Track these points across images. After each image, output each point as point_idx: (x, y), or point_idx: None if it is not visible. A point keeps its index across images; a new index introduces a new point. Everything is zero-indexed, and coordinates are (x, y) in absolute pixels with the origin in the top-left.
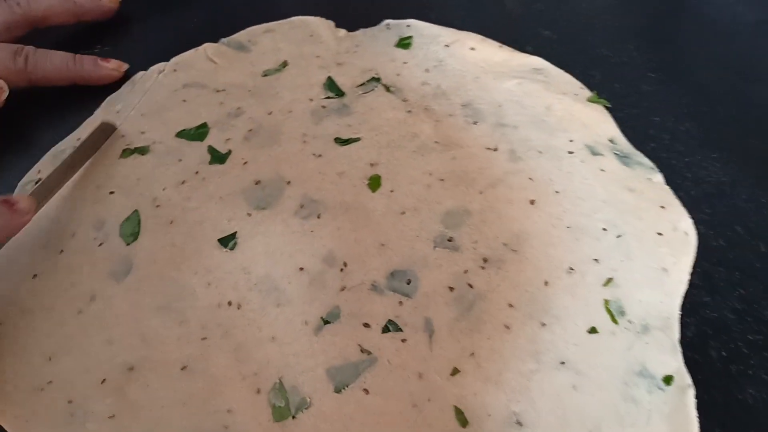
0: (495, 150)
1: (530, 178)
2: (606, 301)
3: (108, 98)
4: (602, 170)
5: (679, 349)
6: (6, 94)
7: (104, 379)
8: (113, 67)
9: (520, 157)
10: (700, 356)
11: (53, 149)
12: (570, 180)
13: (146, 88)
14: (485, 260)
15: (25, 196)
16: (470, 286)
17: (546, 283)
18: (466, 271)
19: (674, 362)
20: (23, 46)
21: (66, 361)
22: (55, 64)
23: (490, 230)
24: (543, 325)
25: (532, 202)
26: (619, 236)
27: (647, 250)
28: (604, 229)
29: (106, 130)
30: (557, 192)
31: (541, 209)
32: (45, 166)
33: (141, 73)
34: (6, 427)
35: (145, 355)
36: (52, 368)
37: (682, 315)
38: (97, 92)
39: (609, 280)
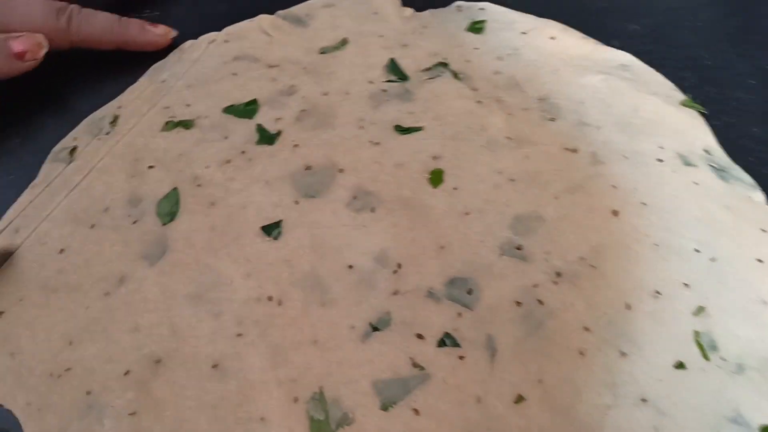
0: (574, 151)
1: (613, 186)
2: (696, 333)
3: (153, 66)
4: (695, 183)
5: None
6: (45, 50)
7: (128, 371)
8: (161, 33)
9: (603, 161)
10: None
11: (91, 116)
12: (658, 191)
13: (194, 58)
14: (558, 274)
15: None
16: (540, 302)
17: (628, 306)
18: (536, 285)
19: None
20: (67, 5)
21: (88, 347)
22: (100, 26)
23: (565, 240)
24: (622, 354)
25: (614, 212)
26: (713, 260)
27: (745, 278)
28: (697, 251)
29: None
30: (644, 204)
31: (625, 222)
32: (81, 134)
33: (190, 42)
34: (16, 414)
35: (174, 348)
36: (72, 354)
37: None
38: (142, 59)
39: (700, 309)
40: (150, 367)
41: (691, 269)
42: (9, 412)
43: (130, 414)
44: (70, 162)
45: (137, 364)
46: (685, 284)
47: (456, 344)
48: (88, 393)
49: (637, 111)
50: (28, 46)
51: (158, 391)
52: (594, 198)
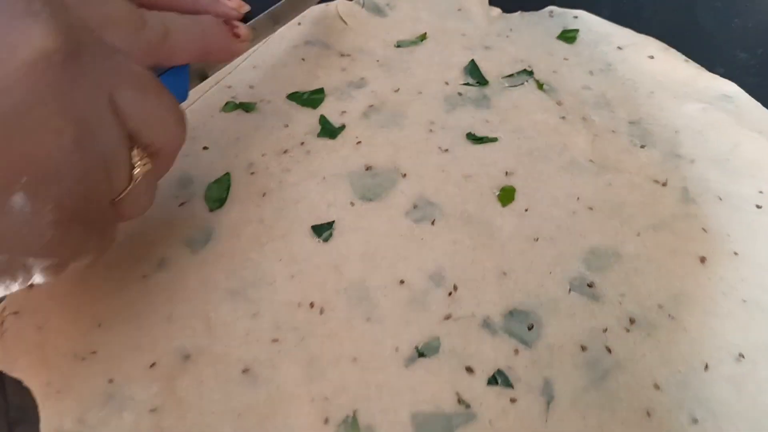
0: (664, 185)
1: (703, 229)
2: None
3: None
4: None
5: None
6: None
7: (154, 363)
8: (233, 5)
9: (694, 199)
10: None
11: None
12: (753, 241)
13: (265, 39)
14: (632, 321)
15: (244, 25)
16: (608, 349)
17: (706, 366)
18: (605, 330)
19: None
20: None
21: (117, 331)
22: None
23: (643, 284)
24: (694, 420)
25: (702, 259)
26: None
27: None
28: None
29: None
30: (735, 253)
31: (713, 271)
32: None
33: None
34: (35, 393)
35: (206, 345)
36: (100, 336)
37: None
38: None
39: None
40: (178, 362)
41: None
42: (28, 391)
43: (151, 410)
44: None
45: (165, 357)
46: None
47: (509, 384)
48: (111, 381)
49: (737, 148)
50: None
51: (183, 390)
52: (680, 240)
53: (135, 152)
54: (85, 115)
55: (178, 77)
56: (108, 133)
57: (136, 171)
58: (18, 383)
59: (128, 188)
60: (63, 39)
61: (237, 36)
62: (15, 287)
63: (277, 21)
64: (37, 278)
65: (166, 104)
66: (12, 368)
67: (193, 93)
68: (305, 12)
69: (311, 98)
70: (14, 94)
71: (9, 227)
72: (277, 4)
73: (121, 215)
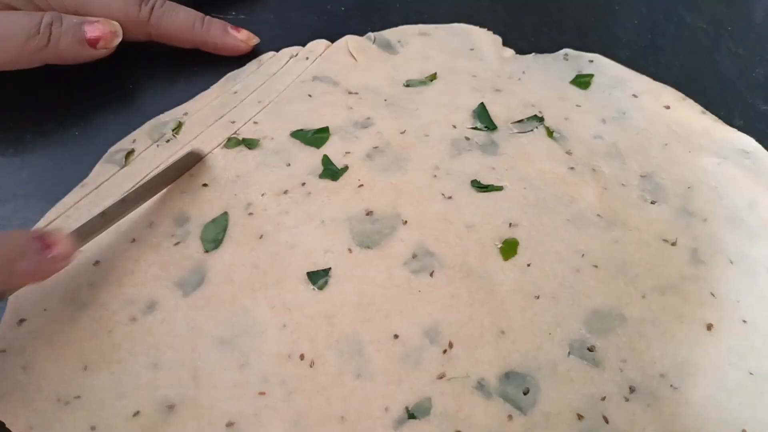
0: (673, 244)
1: (712, 294)
2: None
3: (228, 74)
4: None
5: None
6: (118, 40)
7: (137, 412)
8: (243, 38)
9: (704, 261)
10: None
11: (155, 120)
12: (764, 309)
13: (272, 72)
14: (632, 389)
15: (64, 238)
16: (606, 420)
17: None
18: (604, 398)
19: None
20: None
21: (102, 376)
22: (181, 22)
23: (646, 350)
24: None
25: (709, 326)
26: None
27: None
28: None
29: (191, 160)
30: (745, 321)
31: (720, 339)
32: (141, 137)
33: (270, 53)
34: None
35: (191, 396)
36: (84, 380)
37: None
38: (218, 64)
39: None
40: (162, 413)
41: None
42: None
43: None
44: (124, 166)
45: (149, 406)
46: None
47: None
48: (93, 428)
49: (753, 208)
50: (103, 34)
51: None
52: (688, 304)
53: None
54: None
55: None
56: None
57: None
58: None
59: None
60: None
61: (51, 255)
62: None
63: (109, 219)
64: None
65: None
66: None
67: (197, 126)
68: (313, 46)
69: (315, 137)
70: None
71: None
72: (110, 205)
73: None
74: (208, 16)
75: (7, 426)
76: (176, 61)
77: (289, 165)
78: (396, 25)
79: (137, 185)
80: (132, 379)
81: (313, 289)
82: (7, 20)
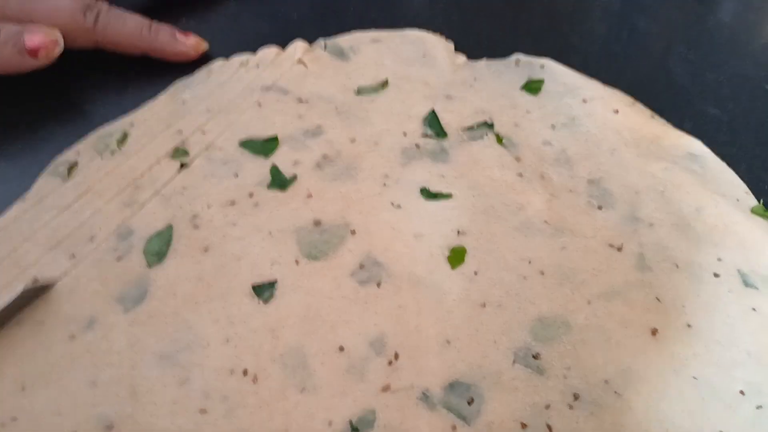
0: (619, 249)
1: (657, 299)
2: None
3: (177, 82)
4: (754, 310)
5: None
6: (60, 48)
7: (75, 431)
8: (191, 44)
9: (650, 266)
10: None
11: (100, 131)
12: (709, 314)
13: (222, 81)
14: (576, 397)
15: None
16: (549, 428)
17: None
18: (548, 406)
19: None
20: (96, 1)
21: (40, 396)
22: (128, 29)
23: (590, 357)
24: None
25: (653, 331)
26: (759, 407)
27: None
28: (742, 393)
29: (32, 294)
30: (689, 326)
31: (664, 345)
32: (86, 148)
33: (221, 62)
34: None
35: (129, 414)
36: (21, 400)
37: None
38: (168, 71)
39: None
40: None
41: (732, 416)
42: None
43: None
44: (68, 179)
45: (86, 425)
46: None
47: None
48: None
49: (700, 213)
50: (43, 43)
51: None
52: (633, 310)
53: None
54: None
55: None
56: None
57: None
58: None
59: None
60: None
61: None
62: None
63: None
64: None
65: None
66: None
67: (143, 137)
68: (264, 53)
69: (264, 146)
70: None
71: None
72: None
73: None
74: (155, 23)
75: None
76: (124, 69)
77: (237, 175)
78: (350, 30)
79: None
80: (70, 397)
81: (259, 302)
82: None
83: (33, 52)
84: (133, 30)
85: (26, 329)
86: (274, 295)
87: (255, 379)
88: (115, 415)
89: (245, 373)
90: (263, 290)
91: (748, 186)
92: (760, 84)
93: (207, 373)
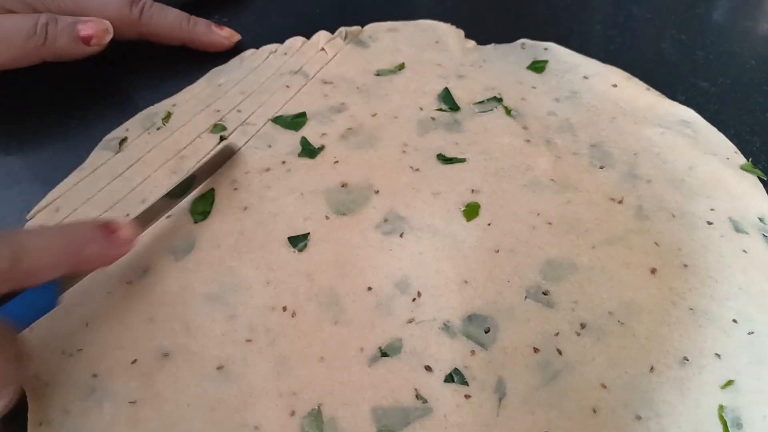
0: (620, 202)
1: (656, 243)
2: (721, 407)
3: (213, 69)
4: (744, 251)
5: None
6: (109, 37)
7: (135, 360)
8: (226, 35)
9: (648, 216)
10: None
11: (146, 111)
12: (703, 255)
13: (253, 67)
14: (583, 326)
15: (127, 223)
16: (559, 352)
17: (652, 369)
18: (557, 334)
19: None
20: None
21: (102, 331)
22: (169, 21)
23: (595, 292)
24: (638, 418)
25: (653, 270)
26: (751, 333)
27: None
28: (735, 321)
29: (226, 154)
30: (685, 265)
31: (663, 281)
32: (134, 126)
33: (251, 50)
34: (23, 385)
35: (183, 344)
36: (86, 335)
37: None
38: (204, 60)
39: (729, 383)
40: (157, 360)
41: (727, 340)
42: None
43: (130, 402)
44: (119, 152)
45: (145, 355)
46: (717, 355)
47: (464, 382)
48: (94, 375)
49: (693, 170)
50: (95, 32)
51: (160, 385)
52: (633, 253)
53: None
54: None
55: (42, 293)
56: None
57: None
58: None
59: None
60: None
61: (117, 239)
62: None
63: (160, 210)
64: None
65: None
66: None
67: (185, 115)
68: (291, 42)
69: (294, 122)
70: None
71: None
72: (173, 187)
73: None
74: (193, 16)
75: None
76: (165, 58)
77: (270, 146)
78: (369, 22)
79: (182, 179)
80: (129, 332)
81: (294, 251)
82: (7, 23)
83: (86, 40)
84: (173, 22)
85: (89, 277)
86: (308, 245)
87: (294, 314)
88: (171, 345)
89: (284, 309)
90: (298, 241)
91: (737, 147)
92: (746, 60)
93: (251, 310)
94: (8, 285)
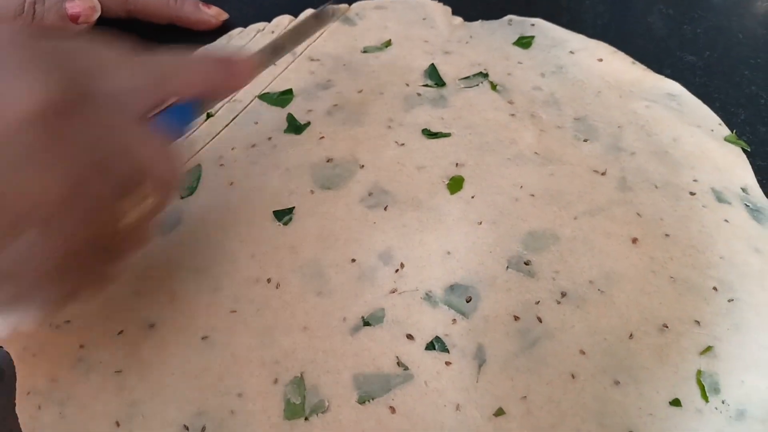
0: (603, 174)
1: (638, 213)
2: (699, 372)
3: (201, 48)
4: (726, 221)
5: None
6: (97, 14)
7: (122, 331)
8: (213, 13)
9: (631, 187)
10: None
11: None
12: (685, 225)
13: (241, 46)
14: (563, 294)
15: (245, 58)
16: (539, 320)
17: (631, 335)
18: (538, 302)
19: None
20: None
21: (89, 304)
22: (157, 0)
23: (576, 262)
24: (616, 383)
25: (634, 240)
26: (730, 300)
27: (763, 324)
28: (715, 289)
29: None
30: (667, 235)
31: (644, 251)
32: None
33: (239, 29)
34: (12, 356)
35: (169, 316)
36: (73, 308)
37: None
38: (191, 39)
39: (708, 349)
40: (143, 330)
41: (706, 308)
42: (7, 353)
43: (116, 371)
44: None
45: (132, 325)
46: (697, 321)
47: (445, 349)
48: (81, 346)
49: (677, 142)
50: (82, 10)
51: (147, 354)
52: (615, 223)
53: (132, 194)
54: (81, 163)
55: (180, 113)
56: (105, 176)
57: (133, 211)
58: None
59: (126, 227)
60: (58, 93)
61: (236, 73)
62: (24, 319)
63: (277, 53)
64: (42, 310)
65: (161, 149)
66: None
67: None
68: (278, 21)
69: (281, 98)
70: (10, 149)
71: (22, 259)
72: (276, 37)
73: (121, 251)
74: None
75: (4, 348)
76: (153, 37)
77: (257, 123)
78: (355, 1)
79: (286, 30)
80: (116, 305)
81: (279, 225)
82: None
83: (74, 18)
84: (161, 1)
85: None
86: (293, 219)
87: (278, 286)
88: (157, 317)
89: (269, 281)
90: (283, 215)
91: (722, 120)
92: (734, 34)
93: (236, 282)
94: (156, 97)
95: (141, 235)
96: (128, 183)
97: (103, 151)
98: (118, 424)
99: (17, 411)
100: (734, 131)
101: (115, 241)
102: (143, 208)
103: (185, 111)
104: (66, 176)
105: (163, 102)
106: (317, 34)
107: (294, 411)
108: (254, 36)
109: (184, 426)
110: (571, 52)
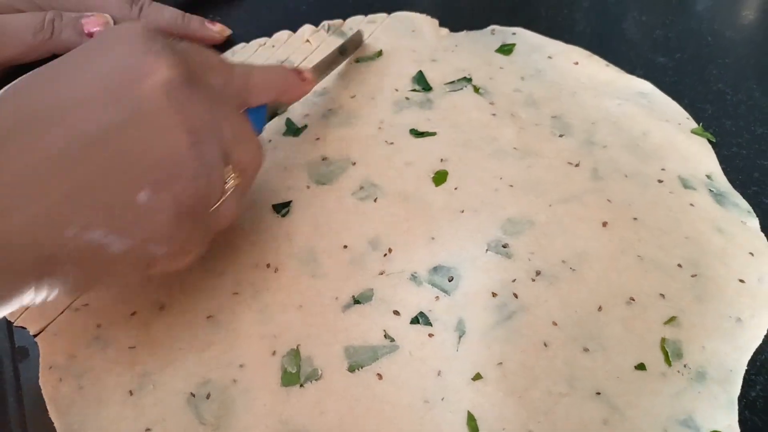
0: (576, 166)
1: (608, 200)
2: (663, 340)
3: None
4: (691, 205)
5: (736, 406)
6: None
7: (135, 312)
8: (217, 30)
9: (602, 177)
10: (760, 420)
11: None
12: (653, 209)
13: (243, 59)
14: (538, 273)
15: (310, 69)
16: (515, 295)
17: (600, 308)
18: (514, 280)
19: (726, 419)
20: None
21: (105, 291)
22: (166, 18)
23: (550, 245)
24: (585, 350)
25: (604, 224)
26: (694, 276)
27: (724, 296)
28: (680, 266)
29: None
30: (635, 219)
31: (613, 233)
32: None
33: (242, 44)
34: (35, 336)
35: (178, 298)
36: (91, 293)
37: (748, 371)
38: None
39: (672, 319)
40: (154, 312)
41: (671, 283)
42: (28, 332)
43: (129, 347)
44: None
45: (144, 308)
46: (662, 295)
47: (428, 323)
48: (98, 326)
49: (647, 135)
50: (98, 26)
51: (156, 332)
52: (587, 209)
53: (228, 168)
54: (198, 128)
55: (257, 114)
56: (212, 146)
57: (228, 184)
58: (22, 328)
59: (222, 198)
60: (181, 70)
61: (303, 80)
62: (134, 275)
63: (330, 66)
64: (153, 267)
65: (251, 134)
66: (17, 318)
67: None
68: (278, 36)
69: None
70: (144, 109)
71: (137, 217)
72: (331, 51)
73: (216, 222)
74: (187, 13)
75: (28, 329)
76: None
77: None
78: (353, 15)
79: (327, 55)
80: (130, 290)
81: (277, 216)
82: (16, 21)
83: (90, 34)
84: (169, 19)
85: None
86: (290, 211)
87: (276, 270)
88: (167, 299)
89: (268, 266)
90: (281, 207)
91: (690, 115)
92: (703, 36)
93: (238, 267)
94: (240, 99)
95: (230, 212)
96: (228, 155)
97: (215, 120)
98: (131, 392)
99: (40, 383)
100: (700, 124)
101: (210, 215)
102: (235, 182)
103: (260, 113)
104: (186, 136)
105: (246, 103)
106: (352, 56)
107: (290, 379)
108: (256, 50)
109: (191, 393)
110: (549, 57)
